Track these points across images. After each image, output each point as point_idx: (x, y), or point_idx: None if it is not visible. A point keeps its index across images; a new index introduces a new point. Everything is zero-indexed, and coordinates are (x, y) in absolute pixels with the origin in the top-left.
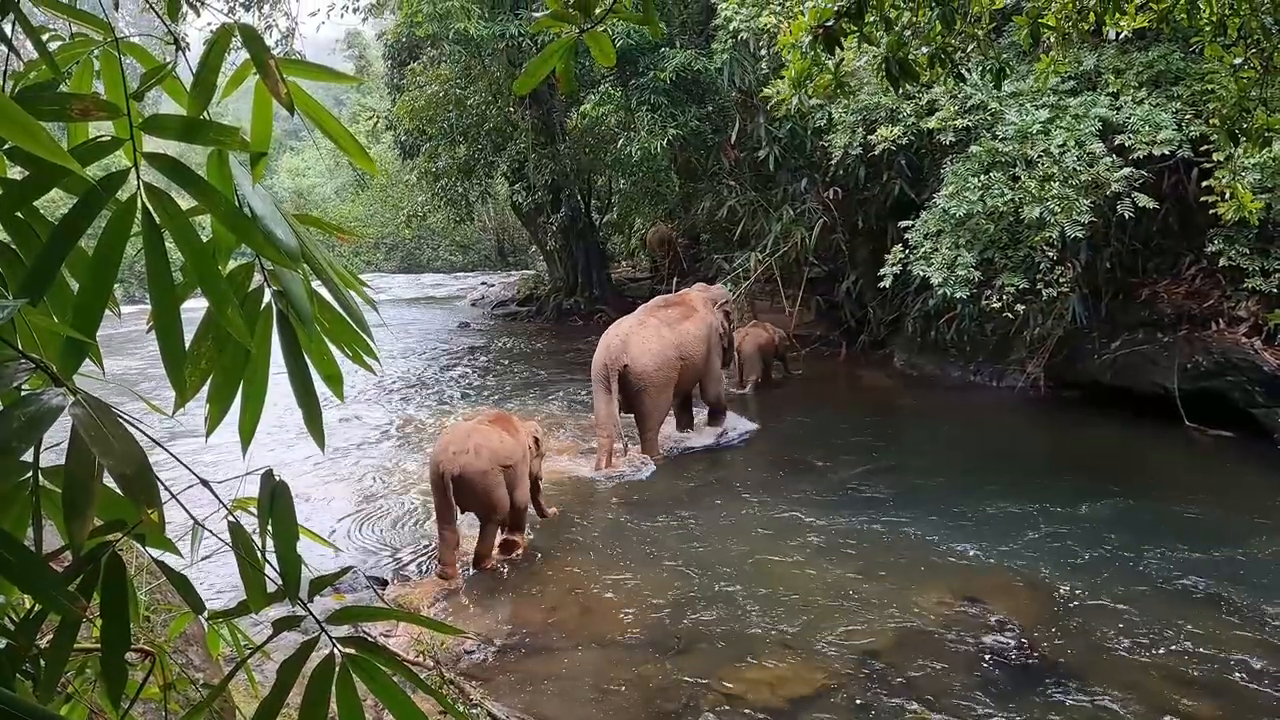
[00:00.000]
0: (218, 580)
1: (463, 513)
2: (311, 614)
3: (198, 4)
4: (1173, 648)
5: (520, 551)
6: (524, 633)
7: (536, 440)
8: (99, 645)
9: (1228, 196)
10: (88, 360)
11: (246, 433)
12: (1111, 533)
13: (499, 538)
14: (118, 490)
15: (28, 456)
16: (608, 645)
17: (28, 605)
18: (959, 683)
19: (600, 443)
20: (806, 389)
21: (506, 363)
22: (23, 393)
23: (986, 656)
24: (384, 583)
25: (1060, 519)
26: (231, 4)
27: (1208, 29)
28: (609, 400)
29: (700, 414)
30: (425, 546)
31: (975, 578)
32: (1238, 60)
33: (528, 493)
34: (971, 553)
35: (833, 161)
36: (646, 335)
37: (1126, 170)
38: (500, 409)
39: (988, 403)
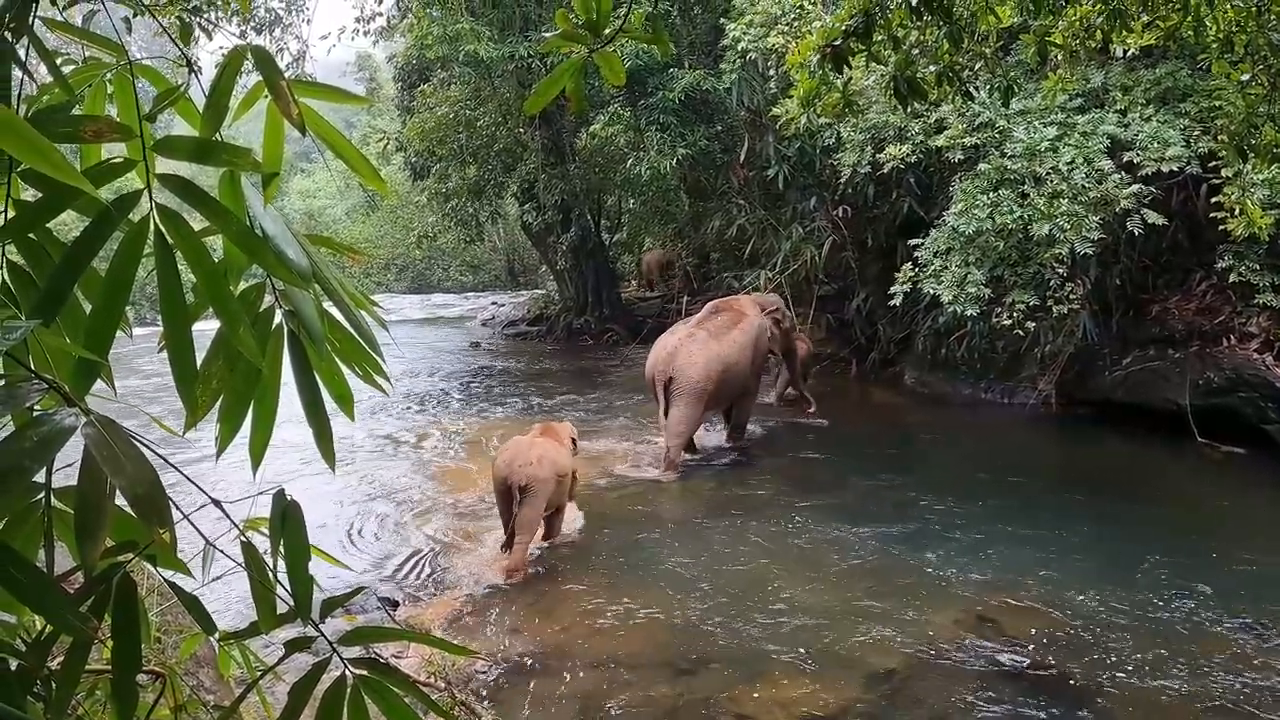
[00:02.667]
0: (230, 601)
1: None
2: (323, 635)
3: (210, 28)
4: (1188, 668)
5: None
6: (535, 653)
7: (573, 440)
8: (110, 667)
9: (1237, 212)
10: (99, 380)
11: (257, 452)
12: (1125, 551)
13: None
14: (129, 511)
15: (40, 477)
16: (619, 665)
17: (39, 626)
18: (973, 704)
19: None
20: (818, 407)
21: (516, 382)
22: (35, 413)
23: (1000, 677)
24: (395, 603)
25: (1073, 537)
26: (243, 27)
27: (1214, 46)
28: (662, 407)
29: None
30: (436, 566)
31: (988, 597)
32: (1245, 76)
33: (567, 495)
34: (984, 572)
35: (842, 180)
36: (693, 348)
37: (1135, 187)
38: (546, 420)
39: (999, 420)
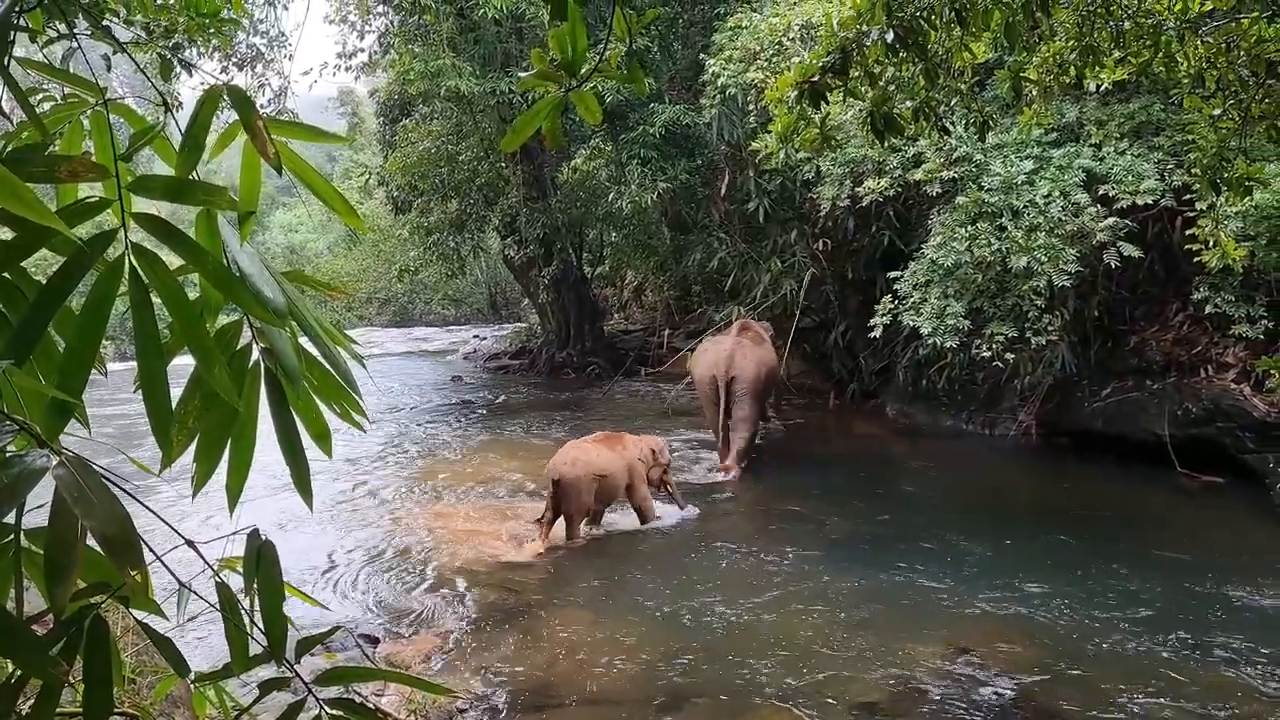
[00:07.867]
0: (208, 641)
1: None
2: (298, 675)
3: (191, 65)
4: (1169, 698)
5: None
6: (518, 689)
7: (654, 451)
8: (82, 710)
9: (1211, 245)
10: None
11: (234, 492)
12: (1106, 581)
13: (584, 528)
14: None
15: (11, 519)
16: (602, 701)
17: (9, 669)
18: None
19: (720, 449)
20: (798, 439)
21: (496, 415)
22: (7, 454)
23: (983, 709)
24: (375, 640)
25: (1054, 568)
26: (225, 63)
27: (1186, 80)
28: (718, 410)
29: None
30: (417, 601)
31: (970, 628)
32: (1217, 111)
33: (645, 492)
34: (966, 603)
35: (821, 213)
36: (746, 350)
37: (1111, 220)
38: (611, 429)
39: (980, 451)
